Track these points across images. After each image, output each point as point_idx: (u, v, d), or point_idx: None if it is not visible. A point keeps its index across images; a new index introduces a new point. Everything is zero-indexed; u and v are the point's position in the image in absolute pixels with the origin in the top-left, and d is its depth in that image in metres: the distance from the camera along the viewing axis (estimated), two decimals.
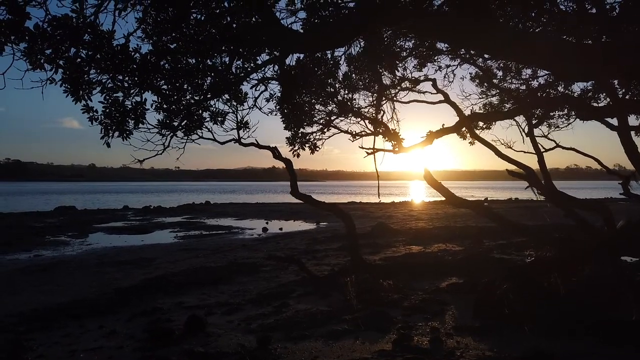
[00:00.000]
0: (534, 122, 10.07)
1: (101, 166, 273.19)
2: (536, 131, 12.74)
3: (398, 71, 10.68)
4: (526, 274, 5.92)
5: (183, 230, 22.70)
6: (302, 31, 6.27)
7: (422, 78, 10.81)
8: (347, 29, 5.21)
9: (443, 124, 6.45)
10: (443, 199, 7.51)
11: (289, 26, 6.20)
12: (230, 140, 8.04)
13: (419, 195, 59.61)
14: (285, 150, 9.24)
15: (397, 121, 10.49)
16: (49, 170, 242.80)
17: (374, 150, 8.06)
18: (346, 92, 10.32)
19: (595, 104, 10.09)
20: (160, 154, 6.80)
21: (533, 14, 7.79)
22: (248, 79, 7.40)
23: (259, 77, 7.01)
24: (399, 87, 10.89)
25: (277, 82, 7.22)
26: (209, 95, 6.89)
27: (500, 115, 6.32)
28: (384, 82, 10.64)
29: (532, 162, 12.66)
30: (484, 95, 12.72)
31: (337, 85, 10.07)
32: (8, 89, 4.57)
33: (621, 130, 9.36)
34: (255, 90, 7.21)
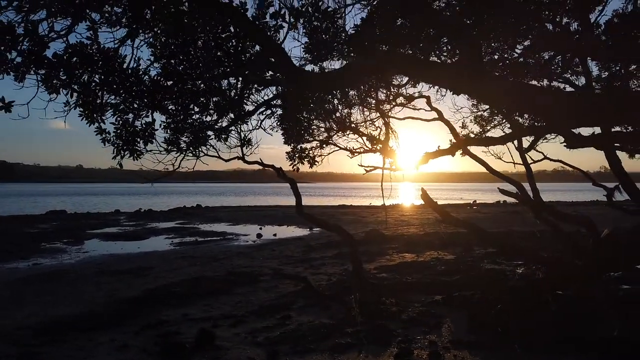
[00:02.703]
0: (524, 147, 10.55)
1: (89, 167, 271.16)
2: (525, 142, 13.24)
3: (393, 87, 11.04)
4: (518, 291, 6.30)
5: (178, 236, 22.85)
6: (304, 64, 6.60)
7: (416, 95, 11.17)
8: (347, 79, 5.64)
9: (439, 146, 6.84)
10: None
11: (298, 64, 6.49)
12: (234, 158, 8.34)
13: (409, 197, 60.11)
14: (281, 152, 9.50)
15: (394, 132, 10.86)
16: (36, 171, 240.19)
17: (373, 168, 8.43)
18: (343, 107, 10.68)
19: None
20: (171, 173, 7.08)
21: (522, 29, 8.18)
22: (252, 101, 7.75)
23: (265, 104, 7.33)
24: (394, 103, 11.24)
25: (280, 107, 7.55)
26: (216, 118, 7.18)
27: (494, 141, 6.75)
28: (379, 97, 11.01)
29: (520, 169, 13.17)
30: (475, 109, 13.18)
31: (335, 102, 10.43)
32: None
33: (607, 148, 9.83)
34: (261, 114, 7.53)
